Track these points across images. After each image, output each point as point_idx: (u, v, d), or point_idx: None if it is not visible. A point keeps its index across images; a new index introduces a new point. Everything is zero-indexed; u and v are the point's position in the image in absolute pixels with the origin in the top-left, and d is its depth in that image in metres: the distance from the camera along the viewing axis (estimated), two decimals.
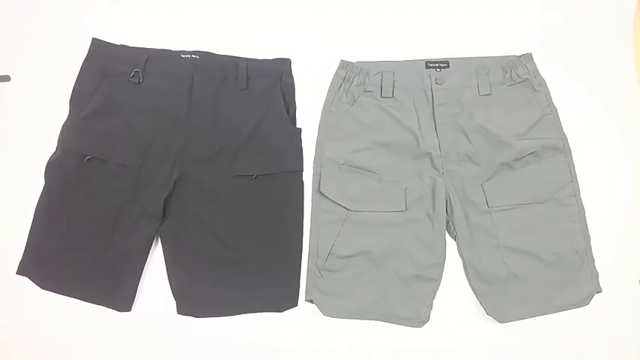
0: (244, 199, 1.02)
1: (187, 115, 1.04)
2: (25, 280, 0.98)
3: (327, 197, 1.03)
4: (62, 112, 1.05)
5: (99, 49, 1.08)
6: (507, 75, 1.09)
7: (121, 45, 1.09)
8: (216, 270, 1.00)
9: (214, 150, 1.03)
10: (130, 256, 0.99)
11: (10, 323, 1.01)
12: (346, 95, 1.08)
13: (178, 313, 0.98)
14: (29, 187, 1.03)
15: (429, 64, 1.10)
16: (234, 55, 1.11)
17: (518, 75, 1.09)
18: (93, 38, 1.08)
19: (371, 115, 1.07)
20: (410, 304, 0.99)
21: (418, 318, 0.98)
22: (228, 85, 1.07)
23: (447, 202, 1.03)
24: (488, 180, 1.04)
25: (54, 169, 1.01)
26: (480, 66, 1.09)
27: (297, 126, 1.09)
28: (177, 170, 1.02)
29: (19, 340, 1.01)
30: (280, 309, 0.99)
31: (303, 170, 1.06)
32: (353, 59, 1.11)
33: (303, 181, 1.05)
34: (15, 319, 1.01)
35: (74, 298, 0.99)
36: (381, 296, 0.99)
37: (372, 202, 1.02)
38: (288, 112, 1.07)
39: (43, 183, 1.01)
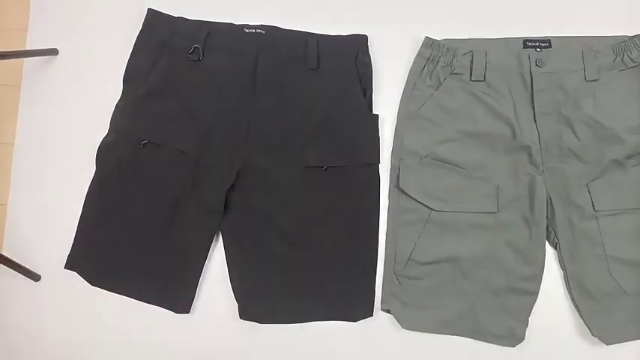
0: (314, 194, 0.94)
1: (251, 98, 0.97)
2: (74, 276, 0.93)
3: (406, 194, 0.94)
4: (115, 91, 0.99)
5: (155, 22, 1.00)
6: (618, 58, 0.96)
7: (179, 17, 1.01)
8: (283, 271, 0.93)
9: (281, 138, 0.96)
10: (189, 253, 0.94)
11: (59, 322, 0.98)
12: (430, 78, 0.98)
13: (241, 318, 0.92)
14: (79, 173, 0.99)
15: (528, 43, 0.98)
16: (304, 30, 1.02)
17: (631, 59, 0.96)
18: (149, 9, 1.01)
19: (459, 101, 0.97)
20: (502, 320, 0.90)
21: (511, 336, 0.90)
22: (297, 64, 0.98)
23: (547, 205, 0.93)
24: (595, 180, 0.93)
25: (107, 153, 0.96)
26: (587, 47, 0.97)
27: (374, 112, 1.00)
28: (241, 159, 0.95)
29: (67, 339, 0.97)
30: (353, 318, 0.92)
31: (380, 163, 0.97)
32: (438, 36, 1.00)
33: (379, 176, 0.97)
34: (63, 318, 0.98)
35: (127, 296, 0.94)
36: (469, 309, 0.90)
37: (459, 201, 0.93)
38: (364, 95, 0.98)
39: (94, 168, 0.96)
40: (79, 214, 0.95)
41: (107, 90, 1.01)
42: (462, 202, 0.93)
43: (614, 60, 0.97)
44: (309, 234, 0.94)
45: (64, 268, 0.93)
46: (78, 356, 0.97)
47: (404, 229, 0.94)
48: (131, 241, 0.93)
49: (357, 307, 0.92)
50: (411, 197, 0.94)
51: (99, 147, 0.96)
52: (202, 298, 0.96)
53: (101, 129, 0.98)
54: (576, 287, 0.91)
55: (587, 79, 0.96)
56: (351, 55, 0.99)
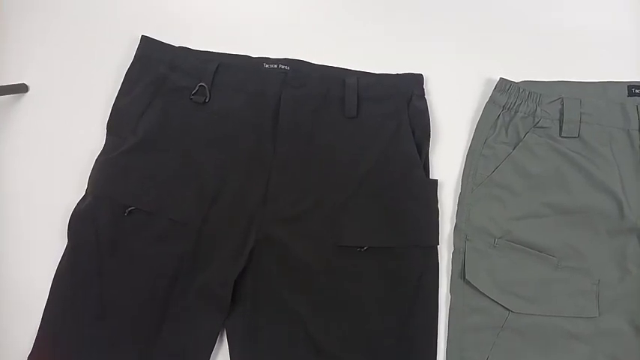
0: (350, 282, 0.77)
1: (271, 153, 0.80)
2: None
3: (475, 289, 0.77)
4: (96, 141, 0.84)
5: (150, 53, 0.85)
6: None
7: (180, 47, 0.86)
8: None
9: (308, 205, 0.79)
10: (185, 358, 0.76)
11: None
12: (506, 132, 0.81)
13: None
14: (46, 247, 0.83)
15: (635, 90, 0.82)
16: (340, 66, 0.86)
17: None
18: (142, 36, 0.86)
19: (545, 164, 0.80)
20: None
21: None
22: (330, 109, 0.82)
23: None
24: None
25: (81, 223, 0.79)
26: None
27: (432, 177, 0.82)
28: (255, 233, 0.78)
29: None
30: None
31: (439, 244, 0.79)
32: (516, 77, 0.83)
33: (438, 263, 0.79)
34: None
35: None
36: None
37: (546, 300, 0.76)
38: (420, 154, 0.80)
39: (64, 242, 0.80)
40: (45, 301, 0.78)
41: (86, 139, 0.87)
42: (550, 301, 0.76)
43: None
44: (343, 337, 0.76)
45: None
46: None
47: (472, 335, 0.77)
48: (110, 341, 0.77)
49: None
50: (482, 293, 0.77)
51: (72, 215, 0.80)
52: None
53: (76, 190, 0.82)
54: None
55: None
56: (401, 100, 0.82)
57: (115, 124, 0.83)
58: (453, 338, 0.77)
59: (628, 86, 0.82)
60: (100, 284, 0.78)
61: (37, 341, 0.79)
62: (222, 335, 0.80)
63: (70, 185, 0.85)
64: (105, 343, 0.77)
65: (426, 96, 0.83)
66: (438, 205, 0.80)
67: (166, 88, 0.83)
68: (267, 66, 0.85)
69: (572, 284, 0.77)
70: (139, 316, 0.78)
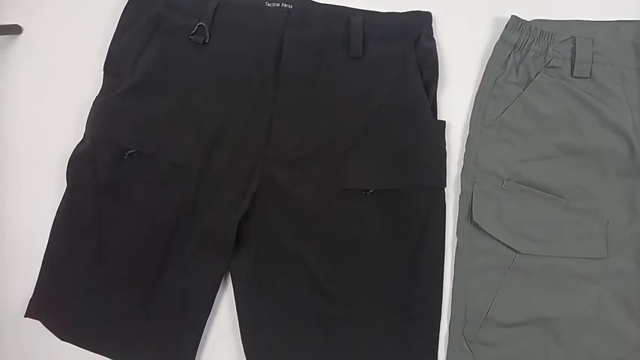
0: (355, 226, 0.77)
1: (273, 95, 0.79)
2: (37, 326, 0.77)
3: (482, 230, 0.77)
4: (93, 83, 0.82)
5: None
6: None
7: None
8: (312, 331, 0.76)
9: (312, 148, 0.79)
10: (187, 303, 0.77)
11: None
12: (517, 72, 0.80)
13: None
14: (45, 192, 0.83)
15: None
16: (345, 5, 0.84)
17: None
18: None
19: (556, 105, 0.79)
20: None
21: None
22: (335, 50, 0.81)
23: None
24: None
25: (80, 167, 0.79)
26: None
27: (440, 118, 0.81)
28: (258, 177, 0.78)
29: None
30: None
31: (446, 186, 0.79)
32: (527, 16, 0.81)
33: (445, 204, 0.79)
34: None
35: (105, 356, 0.78)
36: None
37: (554, 241, 0.77)
38: (427, 95, 0.79)
39: (63, 186, 0.79)
40: (44, 247, 0.79)
41: (83, 82, 0.85)
42: (559, 242, 0.76)
43: None
44: (348, 282, 0.77)
45: (25, 316, 0.78)
46: None
47: (478, 277, 0.77)
48: (111, 285, 0.77)
49: None
50: (489, 234, 0.77)
51: (70, 158, 0.79)
52: None
53: (74, 134, 0.82)
54: None
55: None
56: (409, 40, 0.81)
57: (112, 65, 0.81)
58: (459, 280, 0.78)
59: None
60: (99, 228, 0.78)
61: (37, 286, 0.79)
62: (226, 278, 0.80)
63: (68, 129, 0.84)
64: (105, 287, 0.78)
65: (434, 35, 0.81)
66: (446, 147, 0.79)
67: (164, 28, 0.81)
68: (269, 5, 0.83)
69: (581, 226, 0.77)
70: (140, 260, 0.78)
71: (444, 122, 0.80)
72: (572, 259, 0.76)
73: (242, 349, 0.77)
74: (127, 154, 0.78)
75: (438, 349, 0.77)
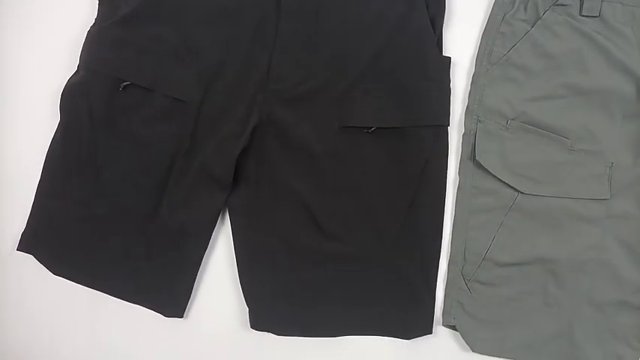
0: (356, 165, 0.78)
1: (273, 27, 0.78)
2: (30, 260, 0.78)
3: (484, 170, 0.78)
4: (88, 12, 0.81)
5: None
6: None
7: None
8: (311, 269, 0.77)
9: (314, 84, 0.78)
10: (184, 238, 0.78)
11: (11, 324, 0.82)
12: (525, 9, 0.79)
13: (252, 327, 0.77)
14: (38, 124, 0.82)
15: None
16: None
17: None
18: None
19: (564, 44, 0.78)
20: (607, 345, 0.77)
21: None
22: None
23: None
24: None
25: (74, 99, 0.78)
26: None
27: (445, 54, 0.81)
28: (258, 113, 0.77)
29: (19, 342, 0.82)
30: (405, 335, 0.77)
31: (449, 125, 0.79)
32: None
33: (448, 143, 0.79)
34: (14, 315, 0.82)
35: (99, 291, 0.78)
36: (563, 329, 0.77)
37: (557, 182, 0.77)
38: (433, 29, 0.78)
39: (57, 119, 0.79)
40: (37, 179, 0.79)
41: (78, 10, 0.83)
42: (561, 183, 0.77)
43: None
44: (349, 219, 0.77)
45: (17, 250, 0.78)
46: None
47: (479, 217, 0.78)
48: (106, 219, 0.78)
49: (411, 321, 0.77)
50: (491, 174, 0.77)
51: (64, 89, 0.79)
52: (201, 299, 0.81)
53: (68, 65, 0.80)
54: None
55: None
56: None
57: None
58: (459, 219, 0.79)
59: None
60: (94, 162, 0.78)
61: (30, 220, 0.79)
62: (224, 214, 0.81)
63: (61, 60, 0.82)
64: (100, 221, 0.78)
65: None
66: (450, 85, 0.79)
67: None
68: None
69: (584, 167, 0.77)
70: (136, 194, 0.78)
71: (449, 59, 0.79)
72: (575, 200, 0.77)
73: (239, 284, 0.78)
74: (122, 85, 0.77)
75: (436, 287, 0.78)
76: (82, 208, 0.78)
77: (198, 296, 0.81)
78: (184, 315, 0.78)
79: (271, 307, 0.78)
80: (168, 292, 0.78)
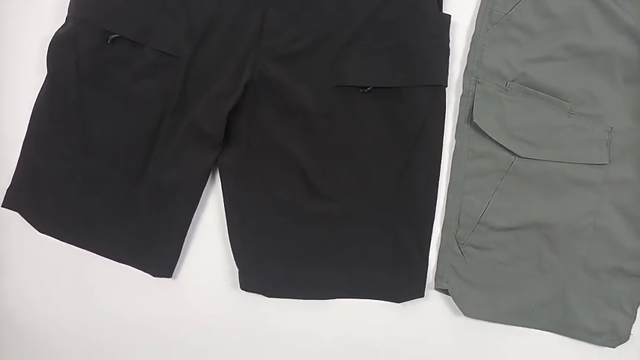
0: (351, 125, 0.77)
1: None
2: (15, 218, 0.78)
3: (481, 132, 0.78)
4: None
5: None
6: None
7: None
8: (302, 229, 0.77)
9: (308, 42, 0.77)
10: (174, 197, 0.77)
11: None
12: None
13: (242, 288, 0.77)
14: (25, 77, 0.81)
15: None
16: None
17: None
18: None
19: (566, 4, 0.78)
20: (601, 311, 0.78)
21: (612, 333, 0.78)
22: None
23: None
24: None
25: (61, 50, 0.77)
26: None
27: (444, 12, 0.80)
28: (250, 70, 0.77)
29: (3, 303, 0.82)
30: (396, 298, 0.78)
31: (447, 86, 0.78)
32: None
33: (445, 104, 0.79)
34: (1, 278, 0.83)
35: (87, 250, 0.78)
36: (557, 295, 0.78)
37: (555, 146, 0.78)
38: None
39: (44, 72, 0.78)
40: (24, 133, 0.78)
41: None
42: (560, 147, 0.78)
43: None
44: (342, 180, 0.77)
45: (2, 206, 0.78)
46: (21, 330, 0.82)
47: (474, 180, 0.79)
48: (94, 176, 0.77)
49: (402, 284, 0.77)
50: (488, 137, 0.78)
51: (51, 41, 0.77)
52: (190, 259, 0.81)
53: (57, 16, 0.79)
54: None
55: None
56: None
57: None
58: (455, 182, 0.79)
59: None
60: (82, 116, 0.77)
61: (15, 175, 0.79)
62: (214, 173, 0.81)
63: (50, 11, 0.81)
64: (88, 178, 0.78)
65: None
66: (450, 45, 0.78)
67: None
68: None
69: (583, 131, 0.78)
70: (125, 151, 0.78)
71: (449, 16, 0.78)
72: (573, 165, 0.77)
73: (229, 245, 0.78)
74: (110, 38, 0.76)
75: (429, 251, 0.79)
76: (69, 164, 0.77)
77: (187, 257, 0.81)
78: (173, 275, 0.79)
79: (261, 269, 0.78)
80: (157, 251, 0.78)
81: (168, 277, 0.79)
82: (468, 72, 0.80)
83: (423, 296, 0.78)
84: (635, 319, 0.78)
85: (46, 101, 0.78)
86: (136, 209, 0.78)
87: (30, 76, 0.81)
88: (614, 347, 0.78)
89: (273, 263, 0.78)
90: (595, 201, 0.78)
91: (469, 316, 0.78)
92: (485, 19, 0.79)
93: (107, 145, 0.78)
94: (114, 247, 0.79)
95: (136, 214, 0.78)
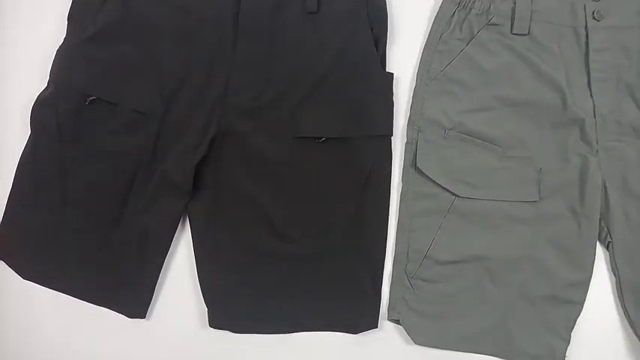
0: (308, 172, 0.85)
1: (231, 46, 0.86)
2: (1, 265, 0.83)
3: (425, 176, 0.85)
4: (59, 31, 0.87)
5: None
6: None
7: None
8: (266, 270, 0.83)
9: (268, 98, 0.85)
10: (147, 242, 0.84)
11: None
12: (461, 29, 0.88)
13: (210, 325, 0.83)
14: (10, 137, 0.88)
15: None
16: None
17: None
18: None
19: (496, 60, 0.87)
20: (539, 336, 0.83)
21: (550, 355, 0.82)
22: (291, 5, 0.87)
23: (602, 193, 0.84)
24: None
25: (44, 111, 0.84)
26: None
27: (388, 70, 0.89)
28: (216, 124, 0.85)
29: None
30: (354, 330, 0.83)
31: (392, 135, 0.87)
32: None
33: (392, 152, 0.87)
34: None
35: (66, 294, 0.83)
36: (498, 322, 0.83)
37: (491, 186, 0.85)
38: (376, 48, 0.87)
39: (28, 132, 0.84)
40: (9, 188, 0.84)
41: (48, 29, 0.90)
42: (495, 187, 0.85)
43: None
44: (302, 223, 0.84)
45: None
46: None
47: (420, 219, 0.85)
48: (73, 226, 0.83)
49: (358, 316, 0.83)
50: (431, 180, 0.85)
51: (34, 104, 0.85)
52: (162, 300, 0.86)
53: (39, 81, 0.86)
54: (631, 297, 0.83)
55: None
56: None
57: (76, 14, 0.86)
58: (403, 221, 0.86)
59: None
60: (62, 172, 0.84)
61: (1, 227, 0.84)
62: (185, 219, 0.87)
63: (33, 76, 0.88)
64: (68, 228, 0.84)
65: None
66: (394, 98, 0.87)
67: None
68: None
69: (515, 172, 0.85)
70: (102, 202, 0.84)
71: (391, 74, 0.87)
72: (507, 203, 0.84)
73: (198, 286, 0.84)
74: (88, 100, 0.83)
75: (382, 285, 0.85)
76: (50, 216, 0.83)
77: (160, 298, 0.86)
78: (146, 316, 0.84)
79: (229, 307, 0.84)
80: (131, 294, 0.84)
81: (142, 318, 0.84)
82: (410, 122, 0.88)
83: (377, 327, 0.83)
84: (569, 342, 0.82)
85: (29, 159, 0.85)
86: (112, 255, 0.84)
87: (15, 135, 0.88)
88: None
89: (240, 301, 0.84)
90: (529, 235, 0.84)
91: (419, 344, 0.83)
92: (425, 75, 0.88)
93: (85, 198, 0.84)
94: (91, 291, 0.84)
95: (112, 259, 0.84)
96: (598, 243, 0.85)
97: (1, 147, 0.90)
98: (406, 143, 0.88)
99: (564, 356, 0.82)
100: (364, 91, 0.86)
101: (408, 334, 0.83)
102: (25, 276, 0.84)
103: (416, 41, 0.91)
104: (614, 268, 0.85)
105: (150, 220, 0.84)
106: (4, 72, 0.93)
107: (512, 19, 0.87)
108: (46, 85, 0.86)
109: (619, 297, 0.85)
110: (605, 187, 0.84)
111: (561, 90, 0.85)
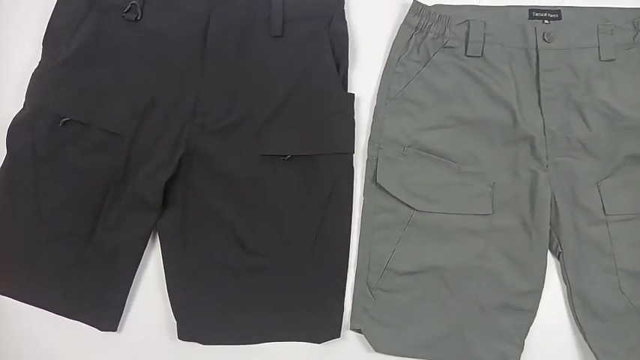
0: (273, 188, 0.89)
1: (199, 69, 0.90)
2: None
3: (385, 191, 0.89)
4: (34, 55, 0.91)
5: None
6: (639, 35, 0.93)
7: None
8: (233, 283, 0.87)
9: (235, 118, 0.90)
10: (118, 257, 0.87)
11: None
12: (418, 52, 0.93)
13: (180, 337, 0.85)
14: None
15: (535, 13, 0.94)
16: None
17: None
18: None
19: (451, 81, 0.92)
20: (493, 343, 0.86)
21: None
22: (257, 28, 0.92)
23: (551, 207, 0.88)
24: (607, 178, 0.89)
25: (19, 133, 0.88)
26: (602, 20, 0.93)
27: (350, 91, 0.93)
28: (185, 144, 0.89)
29: None
30: (317, 339, 0.87)
31: (354, 153, 0.91)
32: (428, 1, 0.94)
33: (353, 168, 0.91)
34: None
35: (40, 307, 0.86)
36: (454, 330, 0.86)
37: (447, 200, 0.89)
38: (337, 71, 0.92)
39: (3, 152, 0.88)
40: None
41: (24, 54, 0.94)
42: (450, 201, 0.89)
43: (635, 37, 0.92)
44: (267, 237, 0.88)
45: None
46: None
47: (381, 232, 0.89)
48: (46, 242, 0.87)
49: (322, 326, 0.87)
50: (390, 194, 0.89)
51: (10, 125, 0.88)
52: (133, 313, 0.89)
53: (15, 104, 0.90)
54: (581, 305, 0.87)
55: (602, 59, 0.91)
56: (323, 21, 0.93)
57: (51, 39, 0.91)
58: (365, 234, 0.90)
59: (529, 10, 0.93)
60: (37, 191, 0.87)
61: None
62: (155, 236, 0.90)
63: (9, 99, 0.92)
64: (42, 244, 0.87)
65: (346, 17, 0.93)
66: (355, 117, 0.92)
67: (99, 6, 0.90)
68: None
69: (470, 186, 0.89)
70: (74, 220, 0.87)
71: (352, 95, 0.92)
72: (462, 216, 0.88)
73: (167, 299, 0.87)
74: (62, 121, 0.87)
75: (344, 296, 0.88)
76: (25, 232, 0.86)
77: (131, 311, 0.89)
78: (117, 329, 0.87)
79: (197, 319, 0.86)
80: (103, 307, 0.87)
81: (113, 331, 0.86)
82: (371, 140, 0.92)
83: (339, 336, 0.87)
84: (522, 349, 0.86)
85: (5, 178, 0.88)
86: (84, 269, 0.87)
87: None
88: None
89: (208, 313, 0.87)
90: (482, 246, 0.88)
91: (380, 352, 0.86)
92: (384, 95, 0.92)
93: (59, 214, 0.87)
94: (64, 305, 0.87)
95: (84, 274, 0.87)
96: (550, 253, 0.89)
97: None
98: (367, 160, 0.92)
99: None
100: (327, 110, 0.90)
101: (369, 342, 0.86)
102: (1, 291, 0.87)
103: (376, 64, 0.96)
104: (565, 277, 0.88)
105: (121, 236, 0.87)
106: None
107: (467, 42, 0.92)
108: (22, 106, 0.89)
109: (570, 305, 0.88)
110: (555, 201, 0.88)
111: (512, 109, 0.90)
